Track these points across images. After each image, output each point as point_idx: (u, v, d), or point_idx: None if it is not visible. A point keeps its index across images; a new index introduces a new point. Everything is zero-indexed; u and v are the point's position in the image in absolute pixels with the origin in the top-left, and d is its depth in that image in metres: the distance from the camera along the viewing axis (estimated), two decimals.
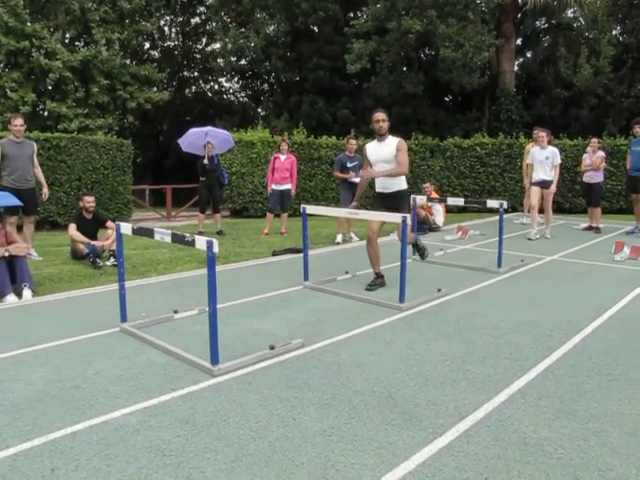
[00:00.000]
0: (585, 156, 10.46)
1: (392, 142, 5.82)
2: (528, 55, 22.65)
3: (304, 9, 19.20)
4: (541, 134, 9.58)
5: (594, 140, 10.41)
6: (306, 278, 5.94)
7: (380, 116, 5.84)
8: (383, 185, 5.89)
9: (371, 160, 5.94)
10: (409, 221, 5.14)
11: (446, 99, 22.66)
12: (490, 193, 15.16)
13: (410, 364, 3.73)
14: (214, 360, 3.52)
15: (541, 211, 9.79)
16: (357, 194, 6.39)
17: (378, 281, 5.96)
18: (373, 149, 5.96)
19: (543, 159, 9.38)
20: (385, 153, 5.81)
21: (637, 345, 4.12)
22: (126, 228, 4.24)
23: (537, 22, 21.48)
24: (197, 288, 5.67)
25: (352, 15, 20.79)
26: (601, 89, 17.78)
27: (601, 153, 10.30)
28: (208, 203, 10.29)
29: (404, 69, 19.25)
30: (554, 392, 3.27)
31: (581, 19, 19.92)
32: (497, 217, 7.19)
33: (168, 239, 3.78)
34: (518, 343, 4.14)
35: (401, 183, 5.87)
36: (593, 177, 10.26)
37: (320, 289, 5.79)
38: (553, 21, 20.45)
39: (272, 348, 3.86)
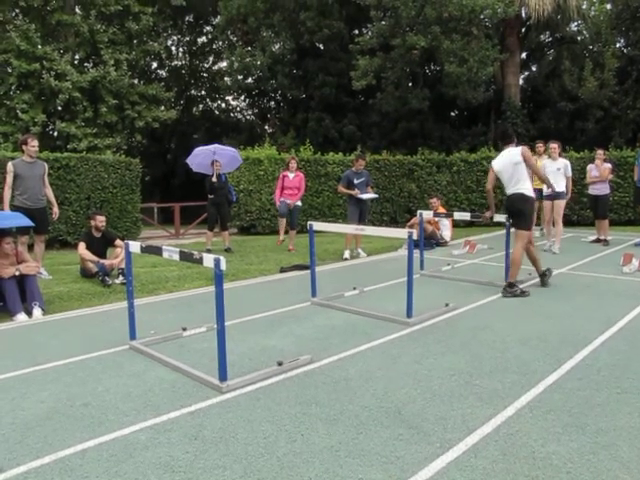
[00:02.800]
0: (591, 167, 10.40)
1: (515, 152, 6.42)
2: (533, 69, 22.75)
3: (309, 27, 19.40)
4: (553, 145, 9.57)
5: (600, 152, 10.40)
6: (314, 294, 5.96)
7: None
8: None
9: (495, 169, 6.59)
10: (415, 236, 5.15)
11: (452, 114, 22.74)
12: (497, 207, 15.12)
13: (418, 379, 3.74)
14: (222, 377, 3.54)
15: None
16: (490, 205, 6.83)
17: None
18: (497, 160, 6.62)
19: (555, 170, 9.38)
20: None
21: None
22: (135, 246, 4.29)
23: (541, 36, 21.61)
24: (205, 305, 5.70)
25: (357, 32, 20.99)
26: (606, 101, 17.80)
27: (608, 165, 10.29)
28: (216, 221, 10.36)
29: (409, 85, 19.37)
30: (563, 406, 3.27)
31: (585, 32, 20.01)
32: (505, 231, 7.19)
33: (176, 257, 3.82)
34: (526, 357, 4.14)
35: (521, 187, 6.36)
36: (600, 189, 10.24)
37: (328, 305, 5.81)
38: (557, 35, 20.55)
39: (280, 364, 3.87)
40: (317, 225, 6.00)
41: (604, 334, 4.66)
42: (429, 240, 10.04)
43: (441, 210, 10.75)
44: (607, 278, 7.11)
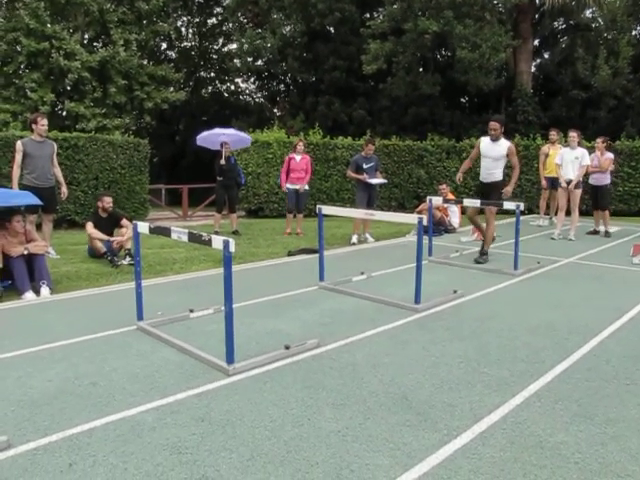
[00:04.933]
0: (592, 156, 10.14)
1: (503, 145, 7.14)
2: (546, 56, 22.46)
3: (320, 10, 19.20)
4: (573, 134, 9.43)
5: (599, 140, 10.17)
6: (321, 279, 5.95)
7: (492, 125, 7.14)
8: (485, 176, 7.35)
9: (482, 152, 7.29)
10: (425, 222, 5.10)
11: (462, 100, 22.53)
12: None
13: (425, 365, 3.72)
14: (229, 359, 3.54)
15: (566, 212, 9.66)
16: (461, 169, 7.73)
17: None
18: (488, 146, 7.22)
19: (573, 159, 9.27)
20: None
21: None
22: (143, 227, 4.27)
23: (555, 23, 21.30)
24: (213, 287, 5.69)
25: (368, 16, 20.76)
26: (620, 90, 17.59)
27: (610, 155, 10.13)
28: (224, 203, 10.34)
29: (420, 70, 19.18)
30: (571, 395, 3.24)
31: (600, 19, 19.71)
32: (514, 219, 7.14)
33: (185, 238, 3.80)
34: (534, 346, 4.11)
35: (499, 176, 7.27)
36: (600, 179, 10.02)
37: (335, 290, 5.79)
38: (571, 22, 20.25)
39: (287, 348, 3.87)
40: (326, 209, 5.96)
41: (613, 324, 4.62)
42: (438, 227, 9.98)
43: (450, 197, 10.67)
44: (617, 268, 7.06)
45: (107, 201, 7.57)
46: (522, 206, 6.78)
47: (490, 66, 16.84)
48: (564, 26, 21.47)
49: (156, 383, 3.39)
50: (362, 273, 6.38)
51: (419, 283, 5.08)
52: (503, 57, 16.69)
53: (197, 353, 3.80)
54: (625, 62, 17.30)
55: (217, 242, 3.45)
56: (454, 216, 10.73)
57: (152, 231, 4.22)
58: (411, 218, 5.25)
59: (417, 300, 5.08)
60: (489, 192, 7.28)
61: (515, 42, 17.30)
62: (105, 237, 7.37)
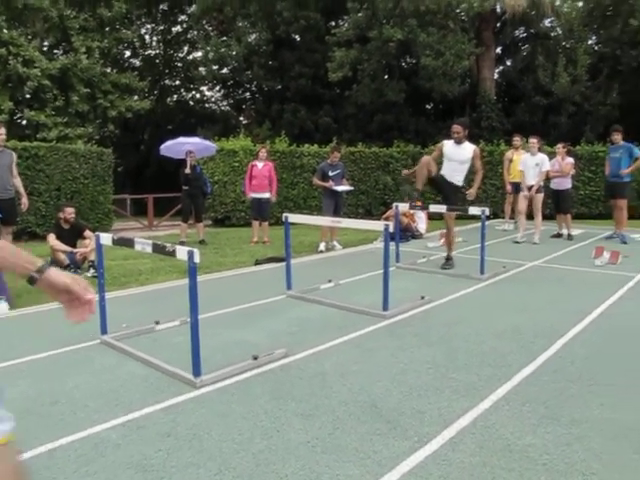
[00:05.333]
0: (553, 161, 10.36)
1: (468, 148, 7.12)
2: (508, 63, 22.93)
3: (286, 18, 19.26)
4: (532, 141, 9.64)
5: (559, 146, 10.42)
6: (289, 287, 5.91)
7: (455, 128, 7.07)
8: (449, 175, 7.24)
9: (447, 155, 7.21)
10: (391, 229, 5.13)
11: (427, 107, 22.82)
12: (471, 200, 15.25)
13: (394, 373, 3.72)
14: (196, 372, 3.48)
15: (530, 217, 9.86)
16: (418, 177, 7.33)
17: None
18: (451, 149, 7.17)
19: (533, 165, 9.48)
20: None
21: (617, 349, 4.16)
22: (106, 238, 4.18)
23: (516, 31, 21.77)
24: (179, 298, 5.58)
25: (334, 24, 20.89)
26: (578, 97, 18.05)
27: (570, 159, 10.36)
28: (190, 212, 10.23)
29: (385, 77, 19.36)
30: (538, 398, 3.28)
31: (558, 29, 20.22)
32: (479, 224, 7.23)
33: (149, 249, 3.73)
34: (501, 350, 4.15)
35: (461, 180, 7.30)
36: (561, 184, 10.23)
37: (303, 298, 5.76)
38: (531, 30, 20.72)
39: (255, 359, 3.82)
40: (292, 217, 5.95)
41: (577, 326, 4.70)
42: (405, 233, 10.05)
43: (417, 203, 10.71)
44: (580, 271, 7.20)
45: (69, 212, 7.41)
46: (487, 211, 6.88)
47: (454, 73, 17.10)
48: (525, 34, 21.96)
49: (121, 398, 3.31)
50: (330, 281, 6.36)
51: (386, 290, 5.09)
52: (466, 64, 16.97)
53: (163, 366, 3.72)
54: (583, 70, 17.77)
55: (181, 253, 3.40)
56: (421, 222, 10.83)
57: (115, 242, 4.14)
58: (378, 225, 5.26)
59: (385, 307, 5.08)
60: (448, 194, 7.27)
61: (478, 50, 17.61)
62: (68, 249, 7.21)
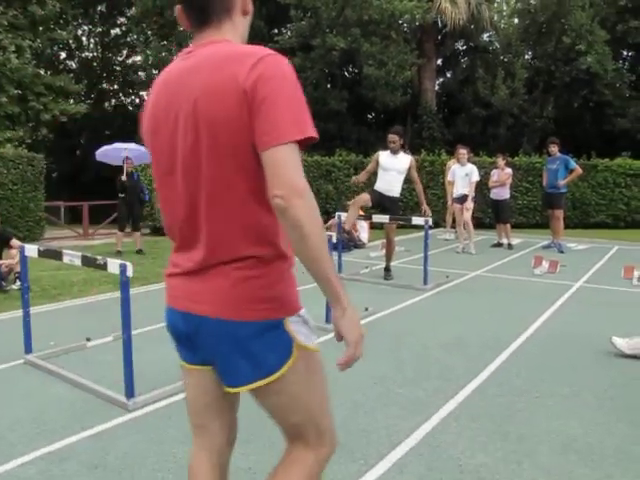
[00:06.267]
0: (493, 172, 10.60)
1: (404, 159, 7.03)
2: (448, 75, 23.45)
3: None
4: (461, 151, 9.84)
5: (499, 157, 10.64)
6: None
7: (391, 138, 6.97)
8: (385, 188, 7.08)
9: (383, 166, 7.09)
10: (334, 239, 5.01)
11: (369, 116, 23.00)
12: (413, 209, 15.40)
13: (339, 388, 3.58)
14: (129, 393, 3.24)
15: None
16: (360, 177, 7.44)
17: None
18: (387, 159, 7.07)
19: (463, 175, 9.65)
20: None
21: (559, 359, 4.17)
22: (32, 250, 3.88)
23: (456, 44, 22.30)
24: (115, 312, 5.28)
25: (276, 31, 20.79)
26: (516, 109, 18.61)
27: (508, 170, 10.60)
28: (127, 221, 9.84)
29: (328, 86, 19.39)
30: (486, 413, 3.22)
31: (497, 43, 20.83)
32: (421, 233, 7.24)
33: (78, 262, 3.47)
34: (447, 362, 4.09)
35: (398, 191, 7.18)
36: (499, 194, 10.42)
37: None
38: (471, 43, 21.27)
39: None
40: None
41: (520, 337, 4.72)
42: (347, 242, 9.98)
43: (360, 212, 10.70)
44: (520, 280, 7.31)
45: None
46: (430, 221, 6.89)
47: (396, 83, 17.29)
48: (464, 47, 22.53)
49: (43, 427, 3.03)
50: None
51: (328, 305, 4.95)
52: (409, 75, 17.19)
53: (93, 387, 3.46)
54: (520, 83, 18.34)
55: (113, 266, 3.17)
56: (363, 231, 10.80)
57: (42, 254, 3.84)
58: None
59: (327, 319, 4.95)
60: (389, 207, 7.13)
61: (420, 61, 17.91)
62: None
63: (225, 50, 1.38)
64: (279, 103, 1.30)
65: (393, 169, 7.06)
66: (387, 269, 7.42)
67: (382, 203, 7.18)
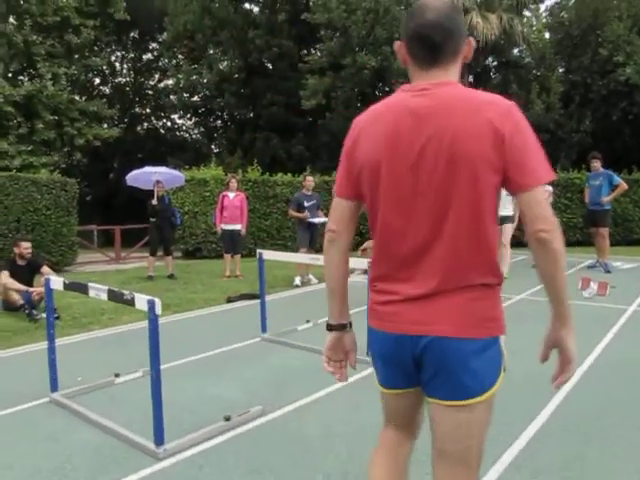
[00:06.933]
0: None
1: None
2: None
3: (258, 45, 19.08)
4: None
5: None
6: (264, 330, 5.45)
7: None
8: None
9: None
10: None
11: None
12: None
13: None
14: (158, 440, 2.99)
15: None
16: None
17: None
18: None
19: (504, 195, 9.23)
20: None
21: (628, 396, 3.78)
22: (57, 283, 3.70)
23: (488, 59, 21.95)
24: (145, 343, 5.09)
25: (306, 52, 20.81)
26: (552, 124, 18.13)
27: (549, 188, 10.17)
28: (159, 245, 9.73)
29: (359, 105, 19.22)
30: (551, 465, 2.87)
31: (529, 57, 20.43)
32: None
33: (104, 296, 3.27)
34: (499, 402, 3.74)
35: None
36: None
37: (280, 342, 5.30)
38: (503, 59, 20.90)
39: (227, 419, 3.35)
40: (267, 254, 5.52)
41: (579, 369, 4.33)
42: None
43: None
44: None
45: (24, 246, 6.86)
46: None
47: None
48: (495, 63, 22.16)
49: (65, 477, 2.80)
50: (308, 321, 5.92)
51: None
52: None
53: (120, 432, 3.22)
54: (556, 97, 17.90)
55: (141, 302, 2.95)
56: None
57: (67, 287, 3.65)
58: (360, 263, 4.87)
59: (368, 352, 4.64)
60: None
61: None
62: (22, 287, 6.62)
63: (470, 95, 1.53)
64: (533, 151, 1.49)
65: None
66: None
67: None
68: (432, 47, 1.54)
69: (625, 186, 9.78)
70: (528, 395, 3.87)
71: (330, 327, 1.82)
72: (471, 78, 21.92)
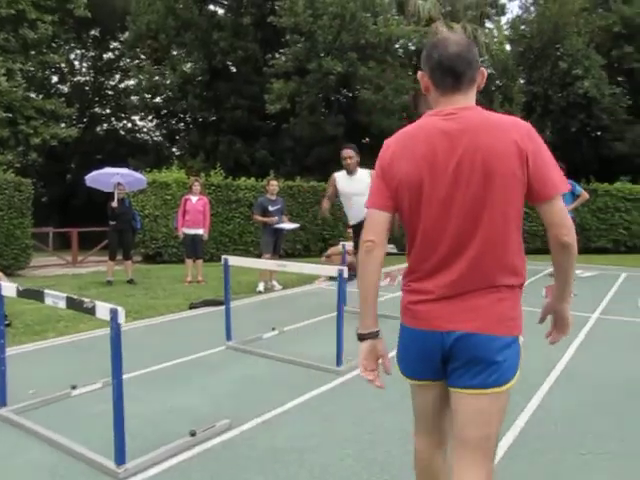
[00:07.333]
0: None
1: (363, 176, 6.16)
2: None
3: (223, 48, 18.83)
4: None
5: None
6: (229, 338, 5.26)
7: (347, 153, 6.28)
8: (356, 216, 6.18)
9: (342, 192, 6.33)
10: (345, 274, 4.63)
11: (365, 141, 22.76)
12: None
13: (360, 447, 3.15)
14: (119, 459, 2.79)
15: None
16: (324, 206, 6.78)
17: None
18: (344, 182, 6.32)
19: None
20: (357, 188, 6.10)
21: (597, 406, 3.75)
22: (9, 289, 3.45)
23: None
24: (104, 352, 4.84)
25: (271, 56, 20.64)
26: None
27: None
28: (118, 249, 9.42)
29: (324, 110, 19.18)
30: (531, 473, 2.79)
31: (491, 68, 20.77)
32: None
33: (62, 304, 3.05)
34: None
35: None
36: None
37: (245, 350, 5.13)
38: None
39: (193, 435, 3.17)
40: (233, 260, 5.34)
41: (548, 378, 4.30)
42: (350, 272, 9.57)
43: None
44: (532, 312, 6.89)
45: None
46: None
47: (393, 108, 17.08)
48: None
49: None
50: (273, 329, 5.76)
51: (340, 343, 4.53)
52: (406, 99, 17.00)
53: (77, 450, 3.00)
54: (518, 108, 18.20)
55: (102, 311, 2.75)
56: None
57: (21, 294, 3.41)
58: (330, 270, 4.75)
59: (339, 362, 4.53)
60: None
61: (417, 85, 17.74)
62: None
63: (492, 117, 1.76)
64: (551, 165, 1.74)
65: (353, 194, 6.29)
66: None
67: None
68: (455, 76, 1.78)
69: (587, 196, 9.91)
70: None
71: (363, 337, 1.89)
72: None
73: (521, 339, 1.82)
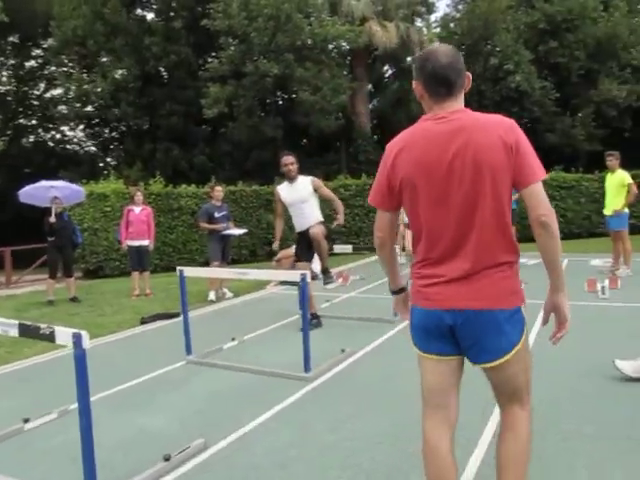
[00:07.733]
0: None
1: (305, 183, 6.06)
2: (379, 98, 23.59)
3: (155, 53, 18.34)
4: None
5: None
6: (189, 352, 5.06)
7: (288, 159, 5.99)
8: (301, 224, 6.14)
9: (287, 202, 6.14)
10: (309, 278, 4.53)
11: (305, 142, 22.75)
12: (357, 234, 15.14)
13: (343, 455, 3.06)
14: None
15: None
16: (278, 236, 6.58)
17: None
18: (287, 192, 6.11)
19: None
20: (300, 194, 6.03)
21: (565, 390, 3.80)
22: None
23: (387, 67, 22.52)
24: (55, 379, 4.58)
25: (205, 60, 20.28)
26: None
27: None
28: (58, 266, 8.96)
29: (261, 113, 18.98)
30: None
31: None
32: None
33: (14, 332, 2.79)
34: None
35: (318, 216, 6.14)
36: None
37: (207, 363, 4.94)
38: (401, 65, 21.50)
39: (167, 459, 2.99)
40: (189, 271, 5.15)
41: None
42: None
43: None
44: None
45: None
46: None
47: (331, 108, 17.10)
48: (395, 70, 22.76)
49: None
50: (233, 339, 5.60)
51: (307, 347, 4.43)
52: (343, 99, 17.06)
53: None
54: None
55: (63, 336, 2.53)
56: (315, 262, 10.32)
57: None
58: (293, 275, 4.64)
59: (307, 368, 4.42)
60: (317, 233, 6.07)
61: (354, 84, 17.84)
62: None
63: (482, 118, 1.98)
64: (531, 156, 1.95)
65: (296, 201, 6.13)
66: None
67: (309, 241, 6.16)
68: (448, 85, 1.99)
69: None
70: (479, 393, 3.79)
71: (394, 292, 2.34)
72: (370, 86, 22.41)
73: (523, 308, 2.01)
